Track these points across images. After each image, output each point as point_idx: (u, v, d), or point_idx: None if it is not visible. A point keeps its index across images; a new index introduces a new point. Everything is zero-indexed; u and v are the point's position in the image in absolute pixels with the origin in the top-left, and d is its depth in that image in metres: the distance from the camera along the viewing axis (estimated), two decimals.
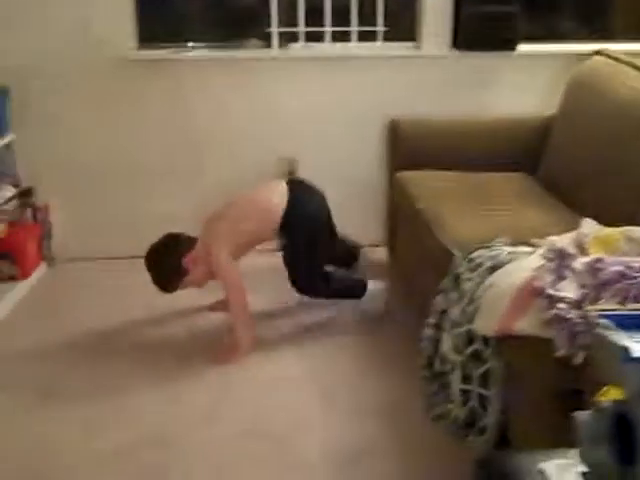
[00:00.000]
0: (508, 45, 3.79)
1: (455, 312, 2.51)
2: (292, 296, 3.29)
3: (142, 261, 3.54)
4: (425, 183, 3.37)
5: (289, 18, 3.84)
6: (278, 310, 3.42)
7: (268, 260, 3.36)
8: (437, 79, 3.85)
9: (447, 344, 2.54)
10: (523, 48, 3.83)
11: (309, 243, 3.17)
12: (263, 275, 3.49)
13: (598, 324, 1.44)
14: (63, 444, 2.52)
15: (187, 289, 3.17)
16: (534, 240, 2.49)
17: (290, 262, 3.17)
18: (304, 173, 3.89)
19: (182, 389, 2.83)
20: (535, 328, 2.13)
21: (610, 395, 1.40)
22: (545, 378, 2.08)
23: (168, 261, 3.09)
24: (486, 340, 2.33)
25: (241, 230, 3.10)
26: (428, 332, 2.69)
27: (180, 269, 3.08)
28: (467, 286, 2.47)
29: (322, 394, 2.80)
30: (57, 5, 3.54)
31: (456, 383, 2.45)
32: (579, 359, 1.98)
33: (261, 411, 2.70)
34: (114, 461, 2.43)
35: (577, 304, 2.05)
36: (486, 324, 2.29)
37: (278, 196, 3.14)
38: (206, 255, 3.07)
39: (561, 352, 2.01)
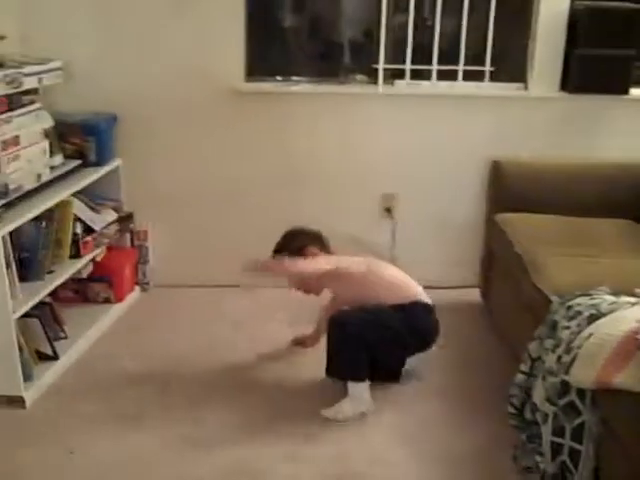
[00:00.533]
0: (620, 89, 3.66)
1: (550, 360, 2.41)
2: None
3: (233, 290, 3.63)
4: (524, 226, 3.29)
5: (396, 55, 3.82)
6: None
7: None
8: (544, 121, 3.76)
9: (539, 393, 2.45)
10: (636, 92, 3.70)
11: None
12: None
13: None
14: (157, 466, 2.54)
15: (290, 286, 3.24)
16: (638, 290, 2.38)
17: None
18: (403, 210, 3.87)
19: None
20: (636, 383, 2.01)
21: None
22: None
23: (300, 237, 3.21)
24: (582, 392, 2.24)
25: (362, 295, 3.04)
26: (520, 379, 2.60)
27: (301, 249, 3.14)
28: (564, 334, 2.38)
29: (405, 439, 2.72)
30: (169, 35, 3.62)
31: (547, 435, 2.36)
32: None
33: (343, 454, 2.63)
34: None
35: None
36: (583, 375, 2.20)
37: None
38: (318, 279, 3.13)
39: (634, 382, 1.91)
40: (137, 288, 3.86)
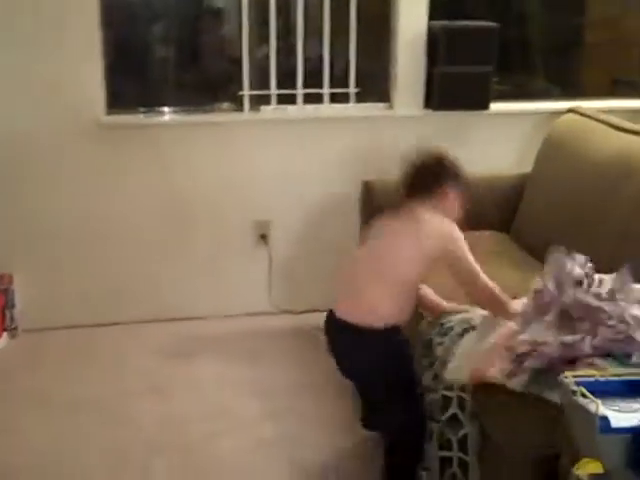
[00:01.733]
0: (481, 104, 3.76)
1: (427, 379, 2.42)
2: None
3: (108, 329, 3.58)
4: None
5: (262, 81, 3.81)
6: None
7: None
8: (410, 139, 3.79)
9: None
10: (496, 107, 3.81)
11: None
12: None
13: (573, 391, 1.35)
14: None
15: None
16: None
17: None
18: (278, 235, 3.83)
19: None
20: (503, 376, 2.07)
21: (587, 468, 1.29)
22: (522, 443, 2.01)
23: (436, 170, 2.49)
24: (462, 405, 2.26)
25: None
26: None
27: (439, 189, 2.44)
28: (438, 350, 2.41)
29: None
30: (24, 70, 3.47)
31: (434, 451, 2.36)
32: (517, 382, 2.00)
33: None
34: None
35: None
36: (458, 371, 2.25)
37: None
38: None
39: (503, 372, 2.02)
40: (5, 334, 3.66)
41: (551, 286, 2.09)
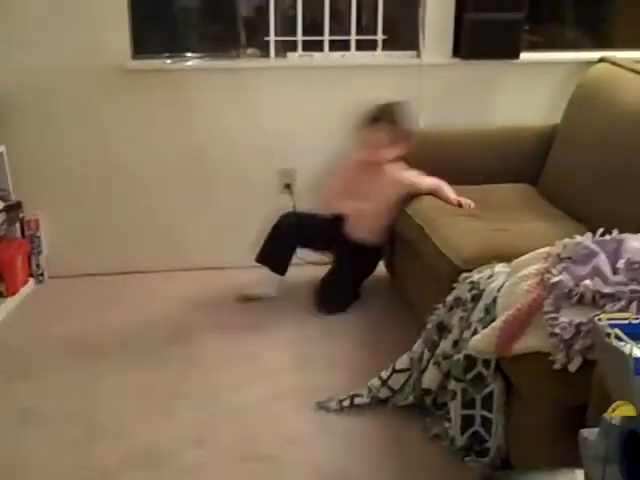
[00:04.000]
0: (511, 53, 3.69)
1: (447, 345, 2.46)
2: None
3: (133, 277, 3.63)
4: (423, 197, 3.27)
5: (288, 28, 3.76)
6: None
7: None
8: (438, 88, 3.75)
9: (433, 377, 2.52)
10: (526, 56, 3.74)
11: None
12: None
13: (607, 334, 1.33)
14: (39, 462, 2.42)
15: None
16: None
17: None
18: (302, 185, 3.80)
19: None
20: (535, 342, 2.04)
21: (620, 411, 1.28)
22: (547, 395, 2.02)
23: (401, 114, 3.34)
24: (487, 362, 2.27)
25: None
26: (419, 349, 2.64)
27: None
28: (454, 321, 2.45)
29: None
30: (47, 12, 3.44)
31: (457, 410, 2.38)
32: (575, 365, 1.92)
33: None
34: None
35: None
36: (483, 346, 2.20)
37: None
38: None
39: (558, 362, 1.93)
40: (31, 280, 3.69)
41: (565, 278, 2.07)
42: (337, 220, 3.47)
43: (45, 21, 3.45)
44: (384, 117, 3.33)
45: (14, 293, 3.51)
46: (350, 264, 3.49)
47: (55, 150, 3.63)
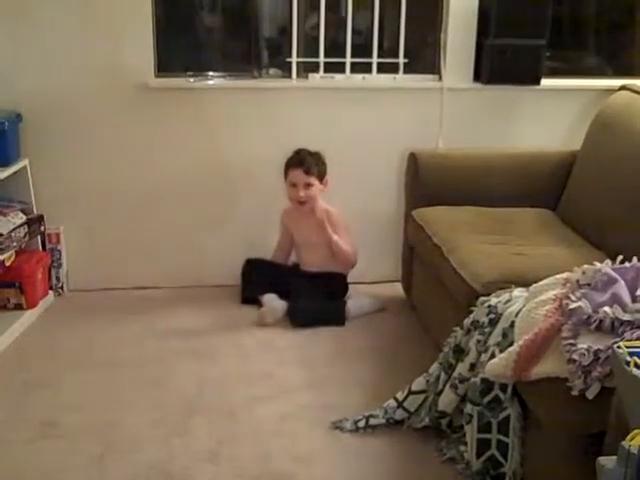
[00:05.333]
0: (532, 79, 3.70)
1: (463, 368, 2.47)
2: None
3: (152, 292, 3.69)
4: (442, 218, 3.29)
5: (310, 50, 3.80)
6: None
7: None
8: (458, 112, 3.78)
9: (448, 400, 2.52)
10: (547, 83, 3.75)
11: None
12: None
13: (626, 362, 1.33)
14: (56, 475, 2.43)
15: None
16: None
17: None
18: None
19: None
20: (553, 368, 2.04)
21: (638, 440, 1.28)
22: (564, 421, 2.01)
23: (321, 161, 3.64)
24: (504, 386, 2.27)
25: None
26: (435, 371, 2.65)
27: (323, 176, 3.63)
28: (471, 344, 2.45)
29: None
30: (76, 31, 3.50)
31: (473, 433, 2.37)
32: (593, 392, 1.91)
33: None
34: None
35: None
36: (500, 370, 2.20)
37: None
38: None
39: (575, 388, 1.93)
40: (51, 293, 3.73)
41: (584, 304, 2.08)
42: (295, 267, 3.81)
43: (70, 39, 3.51)
44: (312, 160, 3.59)
45: (34, 305, 3.53)
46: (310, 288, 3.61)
47: (78, 165, 3.67)
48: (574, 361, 1.94)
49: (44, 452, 2.55)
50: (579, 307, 2.06)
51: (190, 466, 2.48)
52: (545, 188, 3.48)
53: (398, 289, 3.78)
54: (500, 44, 3.63)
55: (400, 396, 2.69)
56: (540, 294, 2.26)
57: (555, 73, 3.92)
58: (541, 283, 2.34)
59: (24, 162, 3.51)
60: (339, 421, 2.70)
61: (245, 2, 3.97)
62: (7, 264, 3.43)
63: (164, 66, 3.70)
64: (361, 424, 2.66)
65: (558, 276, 2.30)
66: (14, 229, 3.37)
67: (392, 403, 2.69)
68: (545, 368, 2.06)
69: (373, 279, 3.91)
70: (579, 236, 3.10)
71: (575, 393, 1.93)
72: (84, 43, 3.52)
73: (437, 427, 2.60)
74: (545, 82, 3.74)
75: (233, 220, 3.82)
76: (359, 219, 3.84)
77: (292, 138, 3.71)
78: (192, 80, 3.71)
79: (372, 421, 2.67)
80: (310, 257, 3.72)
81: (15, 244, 3.40)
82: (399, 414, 2.67)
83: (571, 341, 2.00)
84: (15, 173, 3.44)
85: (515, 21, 3.59)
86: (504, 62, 3.65)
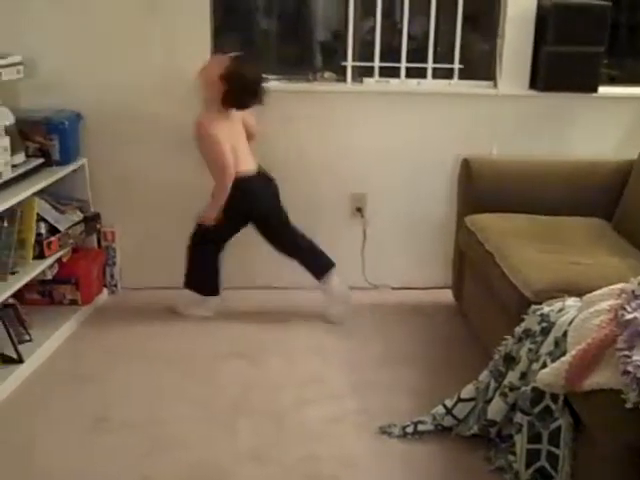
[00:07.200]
0: (589, 86, 3.66)
1: (514, 377, 2.45)
2: None
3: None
4: (494, 225, 3.27)
5: (365, 54, 3.81)
6: None
7: None
8: (513, 119, 3.75)
9: (498, 408, 2.51)
10: (604, 90, 3.71)
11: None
12: None
13: None
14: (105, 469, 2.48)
15: None
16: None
17: None
18: (373, 209, 3.84)
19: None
20: (606, 379, 2.01)
21: None
22: (617, 434, 1.98)
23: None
24: (555, 396, 2.25)
25: None
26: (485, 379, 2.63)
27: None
28: (523, 352, 2.43)
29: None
30: (137, 34, 3.56)
31: (522, 443, 2.35)
32: None
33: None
34: None
35: None
36: (552, 380, 2.18)
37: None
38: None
39: (629, 401, 1.90)
40: (105, 290, 3.79)
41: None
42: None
43: (129, 41, 3.57)
44: None
45: (89, 302, 3.60)
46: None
47: (134, 165, 3.73)
48: (629, 373, 1.92)
49: (96, 447, 2.60)
50: (634, 318, 2.03)
51: (236, 465, 2.50)
52: (600, 197, 3.44)
53: (448, 295, 3.76)
54: (558, 51, 3.59)
55: (449, 403, 2.68)
56: (594, 304, 2.24)
57: (612, 81, 3.88)
58: (595, 293, 2.31)
59: (83, 161, 3.58)
60: (387, 426, 2.70)
61: (300, 7, 4.00)
62: (64, 260, 3.50)
63: None
64: (409, 430, 2.66)
65: (613, 287, 2.27)
66: (71, 226, 3.44)
67: (441, 410, 2.68)
68: (598, 379, 2.03)
69: (423, 285, 3.91)
70: (635, 247, 3.06)
71: (629, 405, 1.91)
72: (143, 46, 3.58)
73: (486, 435, 2.58)
74: (603, 90, 3.70)
75: None
76: (410, 224, 3.85)
77: (346, 141, 3.73)
78: None
79: (420, 427, 2.67)
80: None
81: (72, 241, 3.46)
82: (448, 421, 2.66)
83: (626, 352, 1.97)
84: (74, 171, 3.51)
85: (573, 28, 3.55)
86: (561, 69, 3.62)
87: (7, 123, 3.14)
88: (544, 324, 2.39)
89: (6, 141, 3.08)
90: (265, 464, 2.52)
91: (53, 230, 3.33)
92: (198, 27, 3.59)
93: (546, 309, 2.45)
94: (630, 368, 1.92)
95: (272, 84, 3.74)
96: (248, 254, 3.81)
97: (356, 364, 3.20)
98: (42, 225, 3.26)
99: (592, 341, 2.11)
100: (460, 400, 2.66)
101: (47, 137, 3.39)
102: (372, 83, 3.81)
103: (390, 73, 3.83)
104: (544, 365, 2.26)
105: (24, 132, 3.32)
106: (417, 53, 3.81)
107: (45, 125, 3.39)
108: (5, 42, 3.40)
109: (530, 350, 2.40)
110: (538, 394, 2.27)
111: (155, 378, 3.05)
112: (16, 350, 3.04)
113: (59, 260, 3.46)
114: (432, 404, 2.75)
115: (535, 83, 3.71)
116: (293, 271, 3.61)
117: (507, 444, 2.48)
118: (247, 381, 3.05)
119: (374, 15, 3.73)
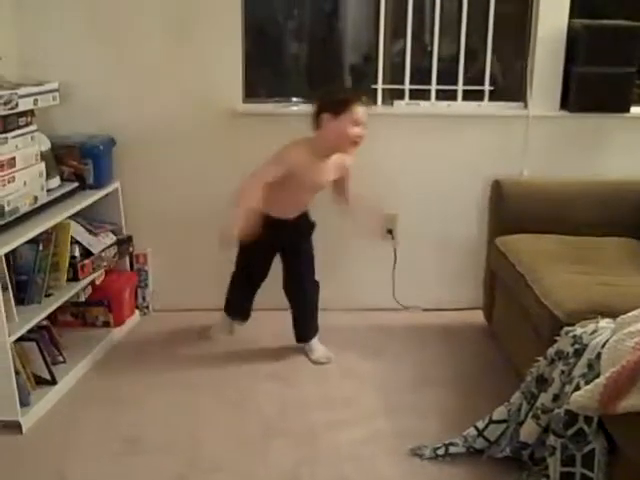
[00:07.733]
0: (621, 107, 3.64)
1: (547, 399, 2.42)
2: None
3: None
4: (526, 246, 3.25)
5: (395, 77, 3.83)
6: None
7: None
8: (544, 140, 3.74)
9: (531, 430, 2.49)
10: (636, 110, 3.69)
11: None
12: None
13: None
14: None
15: None
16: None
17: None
18: (403, 230, 3.83)
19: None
20: None
21: None
22: None
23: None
24: (588, 419, 2.22)
25: None
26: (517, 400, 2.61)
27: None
28: (555, 374, 2.41)
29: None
30: (168, 59, 3.61)
31: (556, 466, 2.32)
32: None
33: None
34: None
35: None
36: (586, 402, 2.16)
37: None
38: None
39: None
40: (137, 312, 3.82)
41: None
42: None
43: (163, 67, 3.62)
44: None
45: (121, 324, 3.63)
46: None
47: (166, 188, 3.77)
48: None
49: (129, 468, 2.61)
50: None
51: None
52: (632, 217, 3.42)
53: (479, 316, 3.74)
54: (588, 72, 3.58)
55: (480, 425, 2.66)
56: (628, 325, 2.22)
57: None
58: (629, 314, 2.29)
59: (116, 184, 3.63)
60: (418, 448, 2.69)
61: (331, 30, 4.03)
62: (97, 283, 3.54)
63: (251, 91, 3.79)
64: (440, 452, 2.65)
65: None
66: (104, 249, 3.48)
67: (472, 432, 2.67)
68: (634, 402, 2.01)
69: (454, 306, 3.89)
70: None
71: None
72: (176, 72, 3.62)
73: (518, 458, 2.56)
74: (634, 110, 3.68)
75: (317, 244, 3.83)
76: (440, 245, 3.85)
77: (376, 164, 3.73)
78: (277, 106, 3.78)
79: (452, 449, 2.65)
80: (303, 200, 3.41)
81: (105, 264, 3.50)
82: (479, 443, 2.64)
83: None
84: (107, 195, 3.56)
85: (604, 48, 3.54)
86: (592, 90, 3.61)
87: (44, 149, 3.20)
88: (577, 346, 2.38)
89: (42, 166, 3.13)
90: None
91: (87, 253, 3.37)
92: (230, 54, 3.63)
93: (579, 331, 2.43)
94: None
95: (301, 107, 3.77)
96: (276, 276, 3.83)
97: (387, 386, 3.19)
98: (76, 248, 3.30)
99: (626, 363, 2.09)
100: (492, 422, 2.64)
101: (81, 161, 3.44)
102: (402, 106, 3.82)
103: (420, 95, 3.84)
104: (577, 387, 2.24)
105: (59, 156, 3.38)
106: (447, 75, 3.82)
107: (79, 150, 3.44)
108: (41, 68, 3.47)
109: (563, 372, 2.38)
110: (571, 416, 2.25)
111: (187, 400, 3.06)
112: (50, 371, 3.07)
113: (92, 282, 3.50)
114: (463, 426, 2.74)
115: (566, 104, 3.70)
116: (324, 292, 3.62)
117: (540, 467, 2.45)
118: (280, 402, 3.05)
119: (404, 37, 3.76)
